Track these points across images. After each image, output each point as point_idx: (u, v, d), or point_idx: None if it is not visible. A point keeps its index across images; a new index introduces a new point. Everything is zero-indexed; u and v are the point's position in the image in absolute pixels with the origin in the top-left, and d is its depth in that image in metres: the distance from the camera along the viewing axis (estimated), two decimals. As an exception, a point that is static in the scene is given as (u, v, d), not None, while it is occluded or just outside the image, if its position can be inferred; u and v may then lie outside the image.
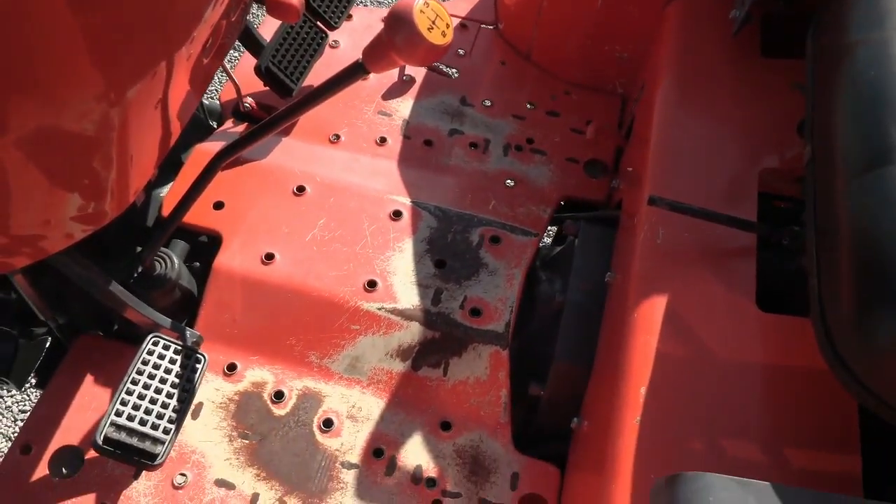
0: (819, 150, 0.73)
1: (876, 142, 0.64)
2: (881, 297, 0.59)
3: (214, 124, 1.29)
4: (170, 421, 0.87)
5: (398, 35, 0.70)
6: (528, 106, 1.28)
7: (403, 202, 1.12)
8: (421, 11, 0.68)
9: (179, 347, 0.90)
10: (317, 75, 1.21)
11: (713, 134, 0.97)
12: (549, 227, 1.18)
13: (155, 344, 0.89)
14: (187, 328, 0.94)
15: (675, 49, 1.08)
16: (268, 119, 0.88)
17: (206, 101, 1.29)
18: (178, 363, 0.91)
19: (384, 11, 1.42)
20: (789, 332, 0.78)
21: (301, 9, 0.95)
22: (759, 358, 0.77)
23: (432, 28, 0.69)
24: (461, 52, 1.36)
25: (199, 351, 0.92)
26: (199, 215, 1.06)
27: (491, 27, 1.40)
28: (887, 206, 0.61)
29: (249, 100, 1.23)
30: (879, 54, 0.70)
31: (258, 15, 2.23)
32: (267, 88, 1.19)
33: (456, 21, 1.40)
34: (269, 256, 1.03)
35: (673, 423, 0.75)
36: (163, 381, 0.89)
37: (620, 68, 1.27)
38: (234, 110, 1.24)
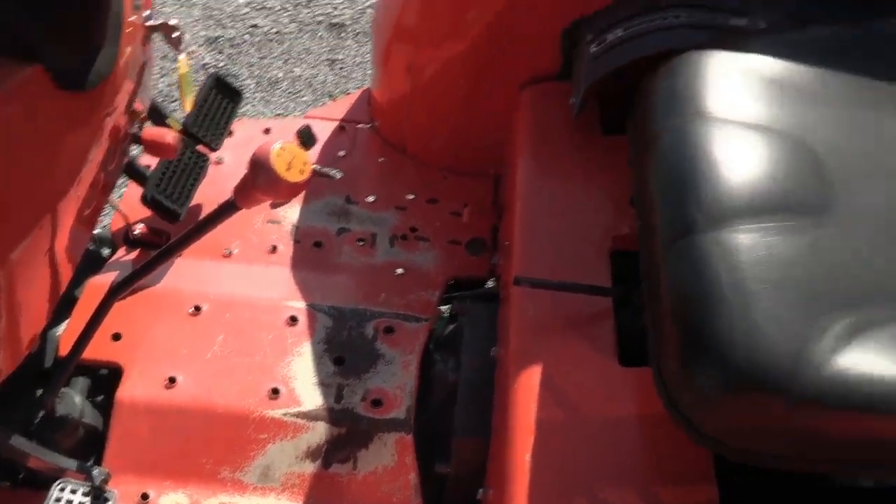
0: (642, 221, 0.84)
1: (679, 216, 0.75)
2: (696, 352, 0.68)
3: (107, 251, 1.32)
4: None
5: (259, 178, 0.77)
6: (409, 196, 1.37)
7: (299, 307, 1.17)
8: (277, 155, 0.76)
9: (87, 489, 0.92)
10: (203, 195, 1.27)
11: (568, 208, 1.07)
12: (442, 308, 1.26)
13: (62, 490, 0.91)
14: (95, 466, 0.96)
15: (530, 131, 1.19)
16: (158, 253, 0.93)
17: (96, 231, 1.33)
18: (87, 505, 0.92)
19: (265, 122, 1.51)
20: (648, 382, 0.87)
21: (177, 146, 1.02)
22: (624, 409, 0.86)
23: (290, 168, 0.76)
24: (342, 153, 1.45)
25: (108, 489, 0.93)
26: (98, 349, 1.09)
27: (368, 126, 1.50)
28: (691, 270, 0.71)
29: (140, 226, 1.27)
30: (679, 140, 0.82)
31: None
32: (156, 213, 1.24)
33: (335, 124, 1.49)
34: (172, 380, 1.07)
35: (557, 483, 0.82)
36: (73, 526, 0.90)
37: (489, 152, 1.38)
38: (125, 238, 1.28)
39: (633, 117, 0.94)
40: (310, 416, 1.05)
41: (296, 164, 0.77)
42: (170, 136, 0.99)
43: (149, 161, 1.27)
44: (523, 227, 1.06)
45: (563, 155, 1.14)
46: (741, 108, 0.84)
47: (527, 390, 0.90)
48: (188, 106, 1.17)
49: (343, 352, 1.13)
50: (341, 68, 2.60)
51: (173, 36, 1.03)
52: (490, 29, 1.22)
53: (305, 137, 1.27)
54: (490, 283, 1.28)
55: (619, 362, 0.90)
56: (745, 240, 0.71)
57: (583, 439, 0.84)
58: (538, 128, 1.18)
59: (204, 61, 2.60)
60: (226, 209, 0.83)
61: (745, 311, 0.67)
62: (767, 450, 0.69)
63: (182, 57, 1.09)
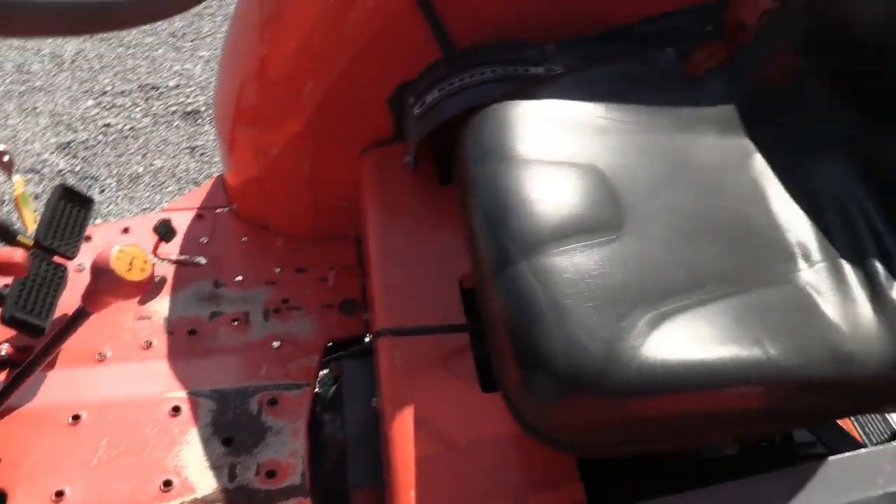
0: (473, 258, 0.93)
1: (497, 250, 0.85)
2: (526, 367, 0.77)
3: None
4: None
5: (103, 282, 0.81)
6: (277, 270, 1.43)
7: (180, 396, 1.19)
8: (117, 259, 0.81)
9: None
10: (69, 303, 1.28)
11: (418, 257, 1.16)
12: (324, 372, 1.31)
13: None
14: None
15: (375, 192, 1.28)
16: (18, 372, 0.94)
17: (-40, 360, 1.30)
18: None
19: (123, 222, 1.52)
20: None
21: (26, 263, 1.03)
22: (491, 431, 0.94)
23: (131, 268, 0.81)
24: (204, 239, 1.48)
25: None
26: (-25, 479, 1.07)
27: (226, 210, 1.55)
28: (513, 296, 0.80)
29: (5, 346, 1.26)
30: (490, 184, 0.92)
31: None
32: (20, 331, 1.23)
33: (192, 213, 1.53)
34: (60, 494, 1.06)
35: None
36: None
37: (346, 215, 1.46)
38: (-8, 361, 1.26)
39: (455, 167, 1.05)
40: (206, 501, 1.07)
41: (136, 263, 0.81)
42: (17, 254, 1.00)
43: (6, 281, 1.26)
44: (381, 281, 1.14)
45: (408, 209, 1.23)
46: (542, 149, 0.96)
47: (403, 431, 0.96)
48: (30, 224, 1.18)
49: (231, 432, 1.16)
50: (202, 154, 2.64)
51: (4, 160, 1.05)
52: (325, 103, 1.32)
53: (164, 231, 1.31)
54: (368, 339, 1.34)
55: (481, 389, 0.98)
56: (555, 262, 0.81)
57: (459, 466, 0.92)
58: (382, 188, 1.28)
59: (59, 168, 2.56)
60: (78, 316, 0.86)
61: (561, 323, 0.77)
62: (604, 441, 0.79)
63: (17, 178, 1.11)
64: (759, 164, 0.99)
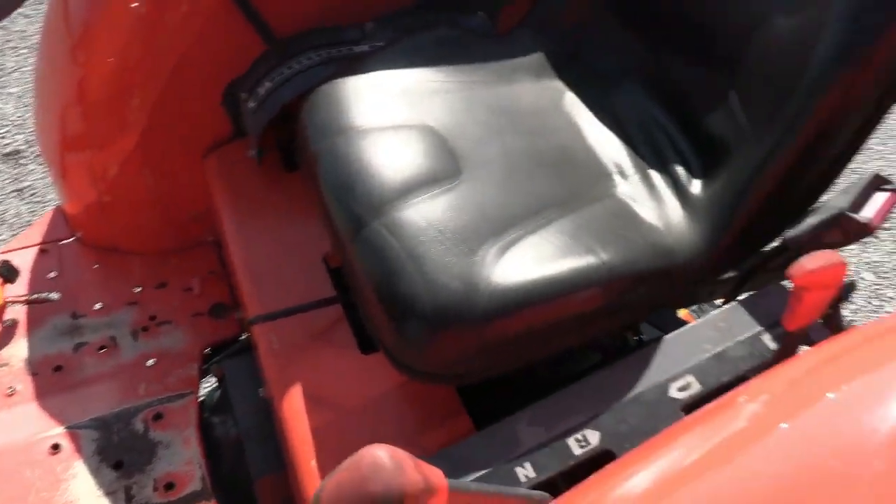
0: (330, 231, 0.98)
1: (349, 217, 0.90)
2: (397, 316, 0.83)
3: None
4: None
5: None
6: (137, 289, 1.39)
7: (58, 433, 1.15)
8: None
9: None
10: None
11: (278, 243, 1.19)
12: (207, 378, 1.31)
13: None
14: None
15: (225, 191, 1.29)
16: None
17: None
18: None
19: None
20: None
21: None
22: (377, 387, 0.99)
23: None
24: (52, 274, 1.42)
25: None
26: None
27: (71, 239, 1.49)
28: (372, 255, 0.86)
29: None
30: (332, 157, 0.97)
31: None
32: None
33: (34, 250, 1.46)
34: (-58, 559, 1.00)
35: None
36: None
37: (200, 221, 1.44)
38: None
39: (298, 151, 1.08)
40: (106, 528, 1.05)
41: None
42: None
43: None
44: (246, 274, 1.15)
45: (260, 201, 1.25)
46: (376, 117, 1.02)
47: (294, 410, 0.99)
48: None
49: (119, 455, 1.13)
50: (32, 194, 2.48)
51: None
52: (155, 115, 1.30)
53: (5, 272, 1.25)
54: (244, 337, 1.35)
55: (361, 352, 1.03)
56: (405, 216, 0.87)
57: (353, 427, 0.96)
58: (231, 186, 1.29)
59: None
60: None
61: (420, 269, 0.83)
62: (479, 366, 0.86)
63: None
64: (572, 101, 1.10)
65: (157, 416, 1.18)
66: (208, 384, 1.71)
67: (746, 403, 0.54)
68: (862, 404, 0.47)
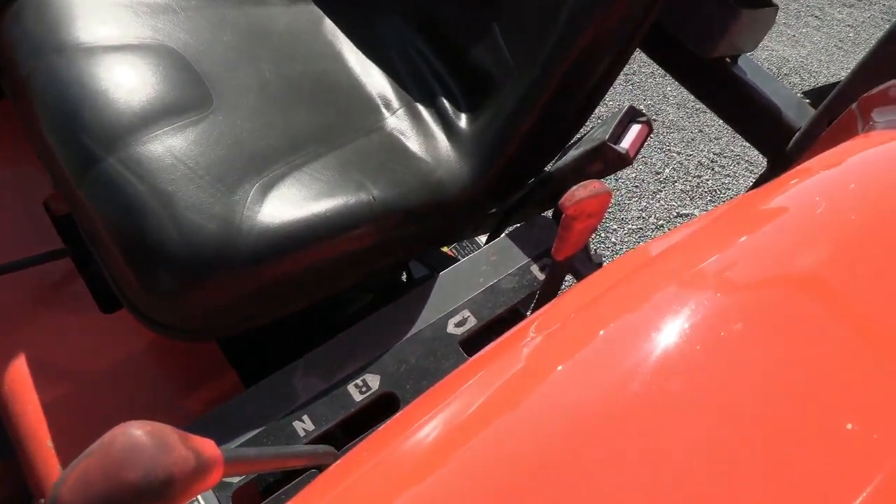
0: (51, 170, 0.81)
1: (77, 153, 0.75)
2: (142, 265, 0.72)
3: None
4: None
5: None
6: None
7: None
8: None
9: None
10: None
11: None
12: None
13: None
14: None
15: None
16: None
17: None
18: None
19: None
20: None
21: None
22: (124, 349, 0.87)
23: None
24: None
25: None
26: None
27: None
28: (109, 197, 0.73)
29: None
30: (49, 80, 0.80)
31: None
32: None
33: None
34: None
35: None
36: None
37: None
38: None
39: (2, 73, 0.88)
40: None
41: None
42: None
43: None
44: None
45: None
46: (104, 33, 0.86)
47: (20, 384, 0.84)
48: None
49: None
50: None
51: None
52: None
53: None
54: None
55: (101, 311, 0.89)
56: (146, 150, 0.75)
57: (98, 399, 0.84)
58: None
59: None
60: None
61: (170, 210, 0.72)
62: (244, 316, 0.79)
63: None
64: (331, 27, 1.02)
65: None
66: None
67: (524, 345, 0.54)
68: (627, 341, 0.48)
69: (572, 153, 0.85)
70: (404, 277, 1.14)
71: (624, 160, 0.79)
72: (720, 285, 0.49)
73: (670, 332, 0.46)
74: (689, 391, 0.42)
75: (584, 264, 0.86)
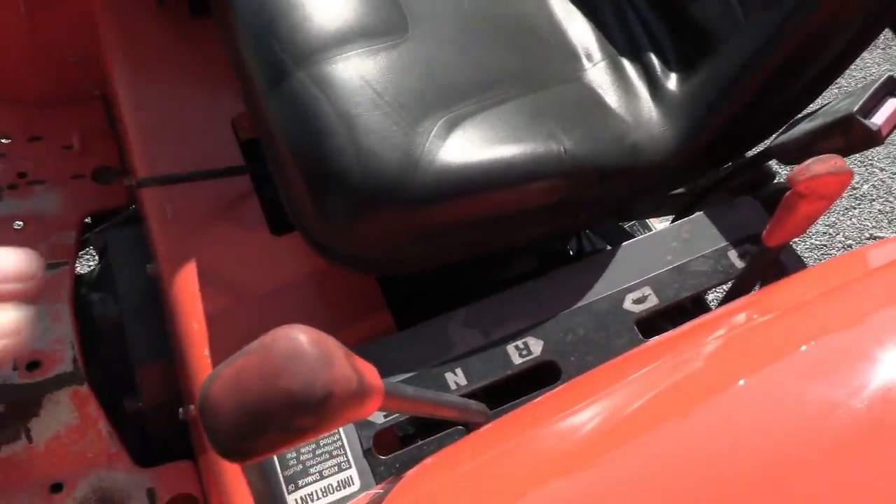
0: (242, 82, 0.81)
1: (269, 64, 0.74)
2: (318, 186, 0.69)
3: None
4: None
5: None
6: (5, 141, 1.18)
7: None
8: None
9: None
10: None
11: (178, 100, 1.01)
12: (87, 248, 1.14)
13: None
14: None
15: (117, 35, 1.08)
16: None
17: None
18: None
19: None
20: (302, 242, 0.88)
21: None
22: (288, 273, 0.86)
23: None
24: None
25: None
26: None
27: None
28: (294, 111, 0.71)
29: None
30: None
31: None
32: None
33: None
34: None
35: None
36: None
37: (81, 70, 1.23)
38: None
39: None
40: (-48, 411, 0.90)
41: None
42: None
43: None
44: (137, 133, 0.98)
45: (159, 50, 1.06)
46: None
47: (186, 290, 0.85)
48: None
49: None
50: None
51: None
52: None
53: None
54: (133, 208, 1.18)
55: (270, 232, 0.89)
56: (338, 70, 0.73)
57: (255, 314, 0.84)
58: (124, 30, 1.08)
59: None
60: None
61: (352, 135, 0.69)
62: (409, 255, 0.75)
63: None
64: (539, -32, 0.95)
65: (22, 287, 1.01)
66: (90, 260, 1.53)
67: (708, 344, 0.45)
68: (837, 364, 0.37)
69: (802, 126, 0.73)
70: (572, 253, 1.06)
71: (873, 138, 0.66)
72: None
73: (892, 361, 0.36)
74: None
75: (793, 259, 0.74)
